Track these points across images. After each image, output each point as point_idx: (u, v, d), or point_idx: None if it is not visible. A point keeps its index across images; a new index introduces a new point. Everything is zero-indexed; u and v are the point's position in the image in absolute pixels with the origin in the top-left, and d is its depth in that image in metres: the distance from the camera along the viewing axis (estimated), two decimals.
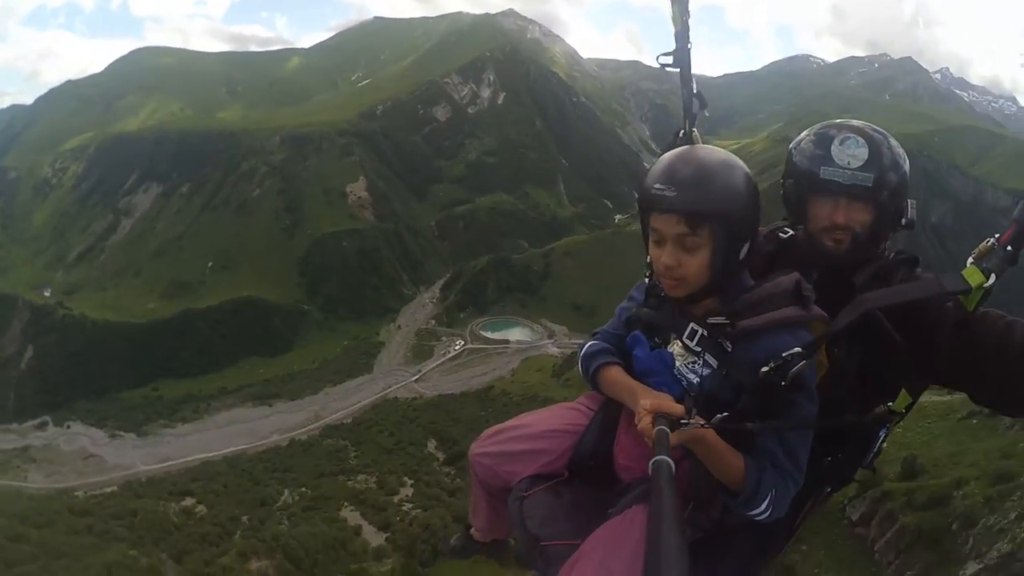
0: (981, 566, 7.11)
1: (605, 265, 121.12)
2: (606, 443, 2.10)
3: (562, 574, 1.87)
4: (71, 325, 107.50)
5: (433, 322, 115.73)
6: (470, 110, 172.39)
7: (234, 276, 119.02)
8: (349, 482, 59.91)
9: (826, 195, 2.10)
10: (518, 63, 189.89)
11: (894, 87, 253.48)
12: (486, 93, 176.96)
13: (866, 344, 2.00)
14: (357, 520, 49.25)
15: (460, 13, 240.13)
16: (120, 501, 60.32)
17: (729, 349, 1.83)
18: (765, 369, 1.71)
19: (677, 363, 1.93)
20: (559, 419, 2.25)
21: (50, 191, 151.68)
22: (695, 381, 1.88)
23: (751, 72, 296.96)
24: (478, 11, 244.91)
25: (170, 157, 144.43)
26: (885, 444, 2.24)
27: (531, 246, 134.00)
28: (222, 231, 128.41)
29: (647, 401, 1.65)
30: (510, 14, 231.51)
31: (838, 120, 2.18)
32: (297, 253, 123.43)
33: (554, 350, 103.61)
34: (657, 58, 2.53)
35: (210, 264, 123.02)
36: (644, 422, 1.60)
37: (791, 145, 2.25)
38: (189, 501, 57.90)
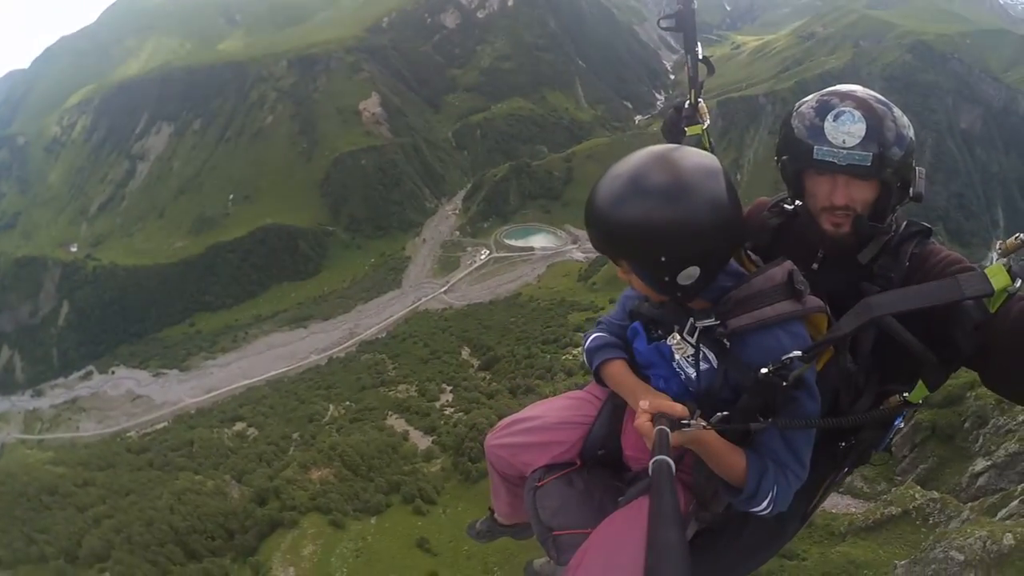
0: (990, 463, 7.59)
1: None
2: (614, 433, 2.13)
3: (572, 563, 1.89)
4: (102, 275, 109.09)
5: (457, 233, 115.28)
6: (479, 14, 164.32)
7: (256, 205, 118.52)
8: (390, 392, 61.12)
9: (823, 172, 1.94)
10: None
11: None
12: None
13: (878, 330, 1.89)
14: (403, 427, 51.45)
15: None
16: (174, 434, 63.33)
17: (727, 346, 1.79)
18: (764, 371, 1.66)
19: (676, 356, 1.91)
20: (569, 410, 2.26)
21: (61, 149, 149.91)
22: (693, 376, 1.87)
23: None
24: None
25: (178, 95, 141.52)
26: (904, 426, 2.06)
27: (551, 151, 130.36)
28: (239, 162, 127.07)
29: (645, 402, 1.64)
30: None
31: (841, 88, 1.98)
32: (316, 176, 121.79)
33: (579, 255, 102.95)
34: (658, 21, 2.38)
35: (231, 196, 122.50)
36: (642, 422, 1.60)
37: (792, 109, 2.05)
38: (240, 426, 61.08)
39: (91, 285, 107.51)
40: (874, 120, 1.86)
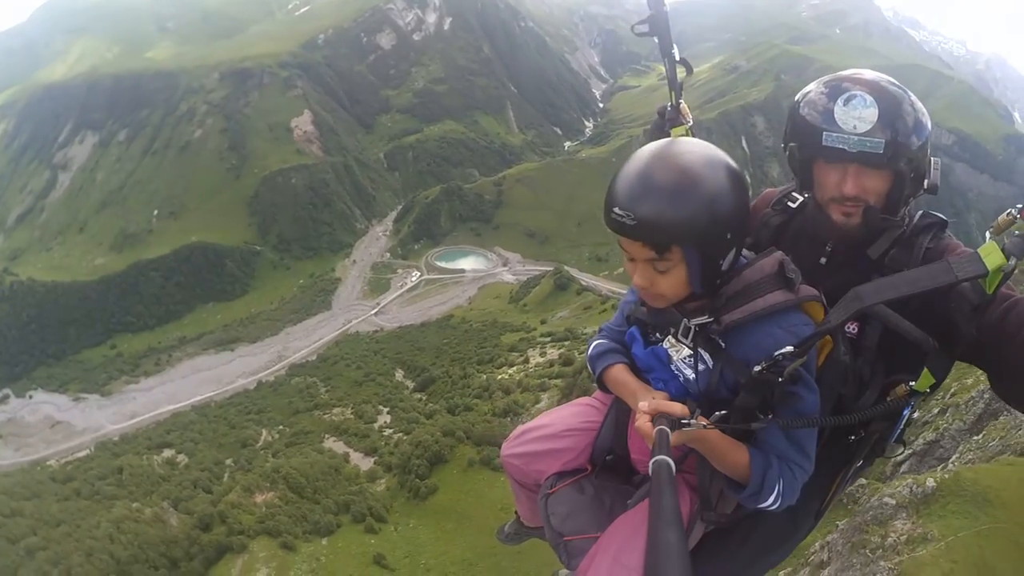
0: (910, 451, 8.28)
1: (557, 192, 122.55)
2: (621, 437, 2.14)
3: (581, 567, 1.91)
4: (20, 291, 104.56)
5: (388, 255, 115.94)
6: (415, 36, 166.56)
7: (182, 222, 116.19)
8: (325, 416, 61.12)
9: (833, 161, 1.84)
10: None
11: (845, 21, 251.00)
12: (432, 18, 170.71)
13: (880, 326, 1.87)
14: (343, 449, 51.80)
15: None
16: (99, 462, 61.35)
17: (723, 346, 1.77)
18: (758, 368, 1.63)
19: (673, 359, 1.89)
20: (577, 417, 2.30)
21: None
22: (692, 377, 1.84)
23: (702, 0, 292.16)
24: None
25: (104, 103, 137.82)
26: (915, 414, 2.08)
27: (482, 174, 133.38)
28: (165, 177, 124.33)
29: (645, 403, 1.63)
30: None
31: (849, 72, 1.89)
32: (245, 193, 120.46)
33: (509, 277, 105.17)
34: (632, 27, 2.38)
35: (156, 212, 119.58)
36: (642, 422, 1.59)
37: (796, 97, 1.95)
38: (169, 452, 59.94)
39: (7, 302, 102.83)
40: (887, 104, 1.79)
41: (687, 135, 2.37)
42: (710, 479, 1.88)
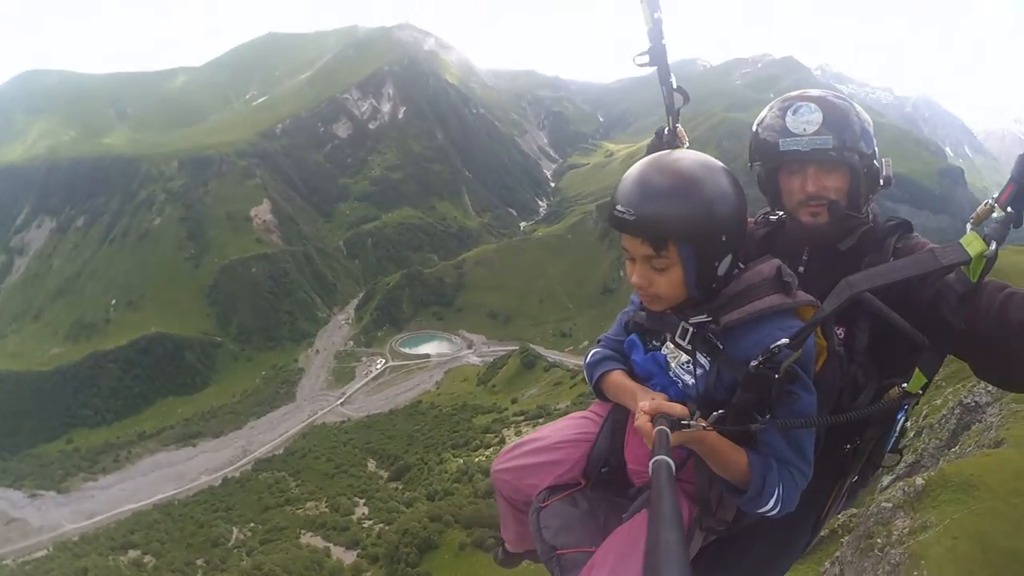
0: (894, 476, 8.63)
1: (516, 272, 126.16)
2: (617, 448, 2.14)
3: None
4: None
5: (351, 343, 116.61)
6: (371, 125, 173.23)
7: (140, 312, 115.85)
8: (299, 511, 59.93)
9: (793, 168, 2.07)
10: (417, 76, 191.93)
11: (778, 85, 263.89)
12: (386, 107, 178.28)
13: (870, 323, 1.98)
14: (322, 544, 50.26)
15: (355, 27, 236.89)
16: (60, 563, 59.70)
17: (721, 347, 1.80)
18: (754, 363, 1.64)
19: (672, 364, 1.93)
20: (571, 429, 2.31)
21: None
22: (691, 382, 1.87)
23: (642, 78, 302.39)
24: (372, 24, 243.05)
25: (62, 187, 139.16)
26: (908, 423, 2.17)
27: (441, 259, 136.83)
28: (124, 265, 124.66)
29: (645, 402, 1.64)
30: (406, 26, 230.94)
31: (795, 92, 2.16)
32: (204, 283, 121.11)
33: (475, 359, 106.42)
34: (633, 59, 2.55)
35: (114, 301, 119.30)
36: (642, 422, 1.60)
37: (753, 124, 2.22)
38: (135, 553, 58.48)
39: None
40: (829, 108, 2.00)
41: None
42: (709, 484, 1.88)
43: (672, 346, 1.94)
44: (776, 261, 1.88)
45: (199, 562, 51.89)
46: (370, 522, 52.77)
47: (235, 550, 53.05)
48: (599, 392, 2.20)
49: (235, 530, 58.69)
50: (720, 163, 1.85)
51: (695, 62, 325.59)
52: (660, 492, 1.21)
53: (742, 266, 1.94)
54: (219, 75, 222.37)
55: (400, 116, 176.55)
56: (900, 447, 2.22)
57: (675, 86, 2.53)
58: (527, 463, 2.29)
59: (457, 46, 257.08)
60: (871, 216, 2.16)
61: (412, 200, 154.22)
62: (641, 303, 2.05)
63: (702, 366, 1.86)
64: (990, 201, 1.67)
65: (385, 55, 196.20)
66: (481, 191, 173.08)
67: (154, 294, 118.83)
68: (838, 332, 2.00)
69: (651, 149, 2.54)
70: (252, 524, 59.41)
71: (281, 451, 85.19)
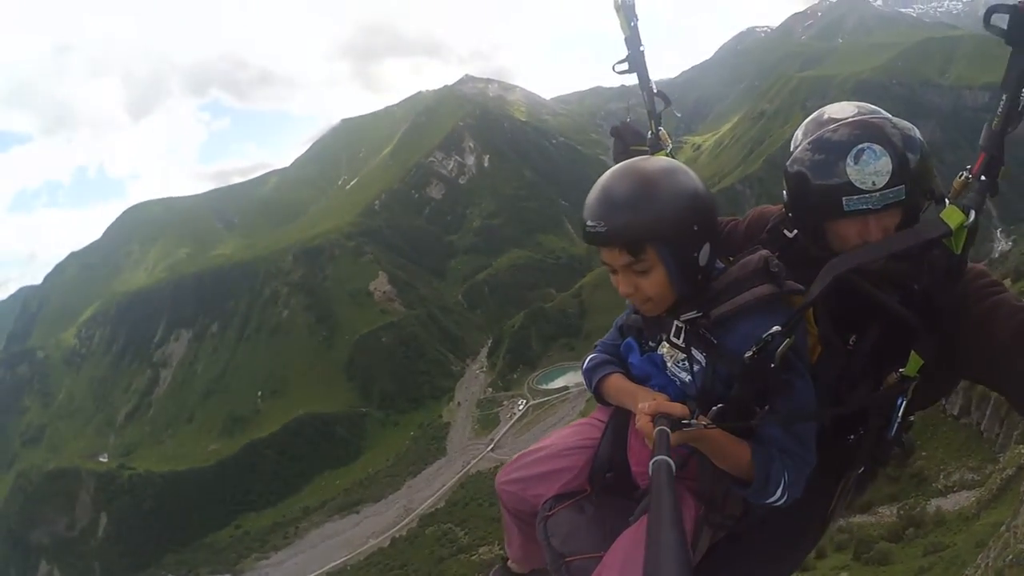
0: None
1: None
2: (620, 452, 2.12)
3: None
4: (139, 484, 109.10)
5: (490, 390, 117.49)
6: (461, 180, 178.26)
7: (286, 398, 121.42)
8: (473, 557, 59.56)
9: (853, 218, 1.80)
10: (492, 123, 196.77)
11: (843, 28, 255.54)
12: (471, 160, 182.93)
13: (881, 325, 1.88)
14: None
15: (420, 93, 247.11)
16: None
17: (715, 342, 1.81)
18: (749, 354, 1.65)
19: (668, 363, 1.94)
20: (575, 436, 2.31)
21: (81, 361, 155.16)
22: (688, 380, 1.88)
23: (706, 61, 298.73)
24: (434, 87, 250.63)
25: (192, 300, 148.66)
26: (912, 418, 2.11)
27: (559, 291, 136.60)
28: (262, 358, 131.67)
29: (645, 403, 1.64)
30: (467, 80, 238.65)
31: (828, 113, 1.91)
32: (340, 360, 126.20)
33: None
34: (613, 67, 2.59)
35: (260, 393, 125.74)
36: (643, 423, 1.60)
37: (788, 164, 1.94)
38: None
39: (128, 495, 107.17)
40: (890, 144, 1.72)
41: None
42: (713, 480, 1.88)
43: (668, 345, 1.93)
44: (764, 252, 1.84)
45: None
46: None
47: None
48: (599, 397, 2.18)
49: None
50: (672, 162, 1.85)
51: (753, 30, 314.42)
52: (660, 492, 1.21)
53: (731, 259, 1.95)
54: (307, 169, 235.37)
55: (486, 165, 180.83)
56: (904, 438, 2.10)
57: (656, 91, 2.58)
58: (531, 473, 2.27)
59: (520, 84, 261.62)
60: None
61: (517, 241, 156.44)
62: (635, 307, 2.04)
63: (698, 362, 1.85)
64: (964, 173, 1.69)
65: (456, 112, 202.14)
66: (580, 217, 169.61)
67: (296, 379, 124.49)
68: (851, 340, 1.94)
69: (615, 152, 2.64)
70: None
71: (443, 504, 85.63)
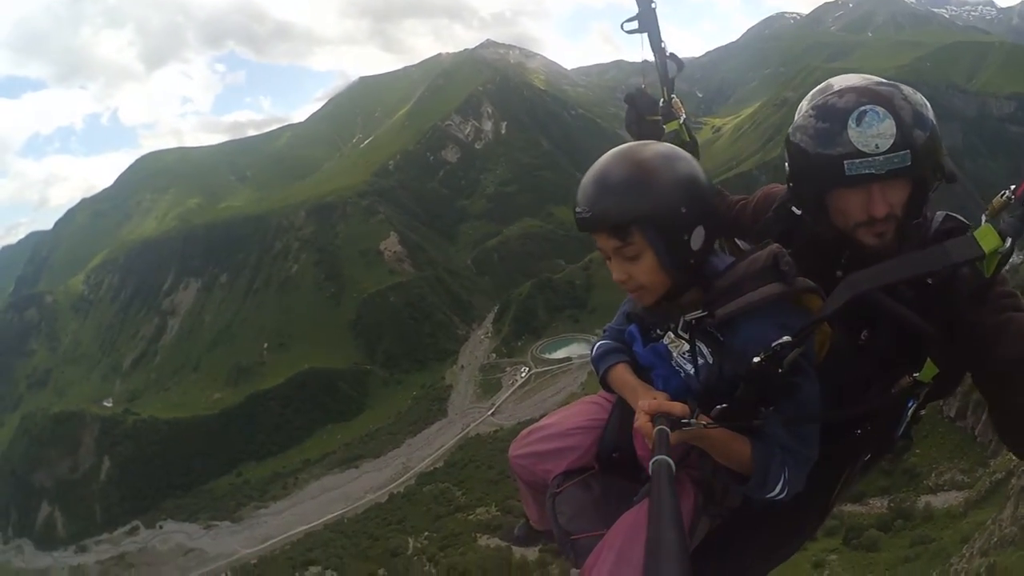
0: None
1: None
2: (626, 434, 2.10)
3: (587, 564, 1.92)
4: (143, 429, 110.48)
5: (494, 355, 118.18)
6: (477, 145, 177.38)
7: (291, 352, 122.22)
8: (470, 517, 60.04)
9: (854, 186, 1.72)
10: (511, 90, 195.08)
11: (874, 22, 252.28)
12: (488, 126, 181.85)
13: (893, 323, 1.78)
14: (500, 544, 47.35)
15: (439, 55, 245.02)
16: None
17: (721, 339, 1.78)
18: (756, 360, 1.59)
19: (673, 354, 1.91)
20: (583, 415, 2.31)
21: (89, 307, 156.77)
22: (692, 372, 1.85)
23: (732, 43, 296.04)
24: (454, 50, 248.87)
25: (202, 251, 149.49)
26: (923, 412, 2.07)
27: (568, 263, 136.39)
28: (270, 311, 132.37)
29: (644, 402, 1.63)
30: (488, 44, 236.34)
31: (835, 83, 1.83)
32: (347, 317, 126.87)
33: None
34: (622, 25, 2.48)
35: (266, 345, 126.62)
36: (642, 422, 1.58)
37: (789, 132, 1.86)
38: (316, 569, 59.42)
39: (132, 440, 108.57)
40: (895, 109, 1.64)
41: (680, 129, 2.56)
42: (713, 473, 1.88)
43: (673, 336, 1.91)
44: (774, 247, 1.79)
45: (380, 572, 51.17)
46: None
47: (415, 558, 52.92)
48: (606, 386, 2.19)
49: (411, 540, 58.99)
50: (661, 144, 1.82)
51: (783, 16, 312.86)
52: (660, 492, 1.21)
53: (742, 246, 1.97)
54: (322, 127, 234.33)
55: (503, 132, 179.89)
56: (911, 433, 2.10)
57: (668, 53, 2.48)
58: (541, 449, 2.30)
59: (541, 53, 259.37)
60: (926, 215, 1.88)
61: (529, 210, 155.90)
62: None
63: (703, 356, 1.83)
64: (1007, 193, 1.54)
65: (475, 77, 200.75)
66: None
67: (302, 334, 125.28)
68: (863, 335, 1.90)
69: (628, 120, 2.57)
70: (427, 533, 59.74)
71: (441, 464, 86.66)
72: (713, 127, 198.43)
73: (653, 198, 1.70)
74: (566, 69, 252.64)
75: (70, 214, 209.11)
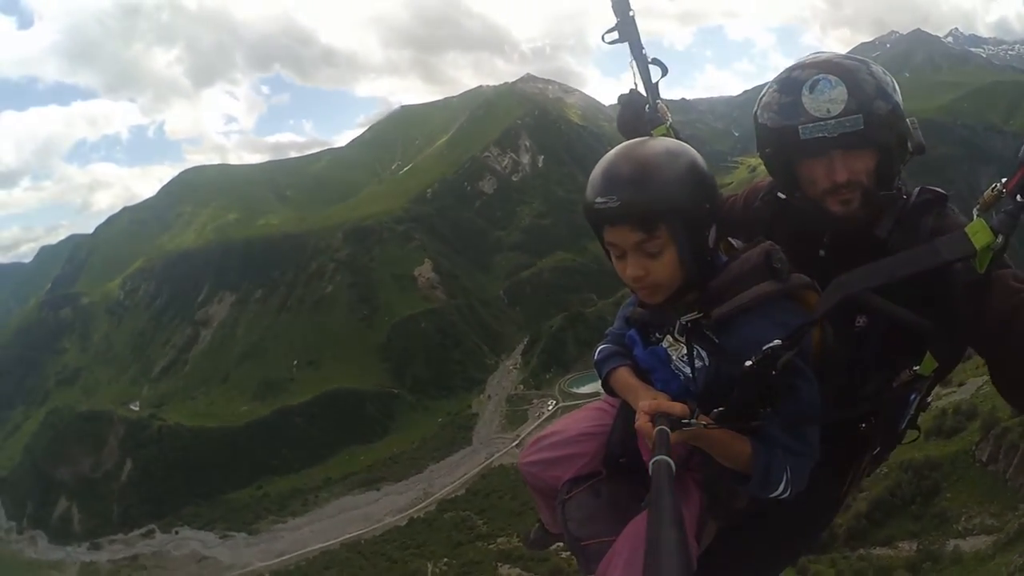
0: None
1: None
2: (632, 438, 2.07)
3: (599, 570, 1.93)
4: (168, 435, 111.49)
5: (521, 387, 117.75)
6: (514, 178, 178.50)
7: (321, 371, 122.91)
8: (491, 546, 59.81)
9: (816, 154, 1.81)
10: (549, 124, 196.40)
11: (911, 62, 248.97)
12: (526, 159, 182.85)
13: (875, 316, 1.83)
14: (521, 573, 49.31)
15: (480, 87, 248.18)
16: None
17: (717, 342, 1.79)
18: (749, 363, 1.58)
19: (672, 358, 1.92)
20: (589, 421, 2.34)
21: (124, 312, 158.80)
22: (691, 375, 1.86)
23: (766, 81, 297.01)
24: (494, 83, 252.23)
25: (238, 266, 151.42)
26: (929, 399, 2.10)
27: (600, 297, 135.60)
28: (302, 329, 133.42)
29: (644, 402, 1.64)
30: (528, 79, 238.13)
31: (803, 60, 1.91)
32: (378, 340, 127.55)
33: None
34: (603, 36, 2.48)
35: (295, 362, 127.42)
36: (642, 422, 1.59)
37: (755, 107, 1.96)
38: None
39: (155, 444, 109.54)
40: (851, 78, 1.73)
41: (668, 133, 2.55)
42: (717, 475, 1.87)
43: (672, 339, 1.92)
44: (766, 245, 1.80)
45: None
46: (567, 553, 49.84)
47: None
48: (608, 389, 2.19)
49: (430, 565, 58.95)
50: (675, 141, 1.85)
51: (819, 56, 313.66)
52: (660, 492, 1.21)
53: (735, 245, 1.98)
54: (362, 152, 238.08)
55: (540, 165, 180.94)
56: (917, 424, 2.13)
57: (651, 59, 2.47)
58: (549, 456, 2.33)
59: (580, 88, 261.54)
60: (902, 191, 1.90)
61: (564, 244, 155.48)
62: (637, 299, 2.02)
63: (701, 359, 1.83)
64: (998, 186, 1.53)
65: (515, 110, 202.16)
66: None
67: (332, 353, 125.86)
68: (860, 321, 1.91)
69: (621, 121, 2.59)
70: (446, 559, 59.68)
71: (463, 492, 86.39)
72: (749, 167, 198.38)
73: (683, 192, 1.69)
74: (603, 105, 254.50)
75: (111, 220, 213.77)
